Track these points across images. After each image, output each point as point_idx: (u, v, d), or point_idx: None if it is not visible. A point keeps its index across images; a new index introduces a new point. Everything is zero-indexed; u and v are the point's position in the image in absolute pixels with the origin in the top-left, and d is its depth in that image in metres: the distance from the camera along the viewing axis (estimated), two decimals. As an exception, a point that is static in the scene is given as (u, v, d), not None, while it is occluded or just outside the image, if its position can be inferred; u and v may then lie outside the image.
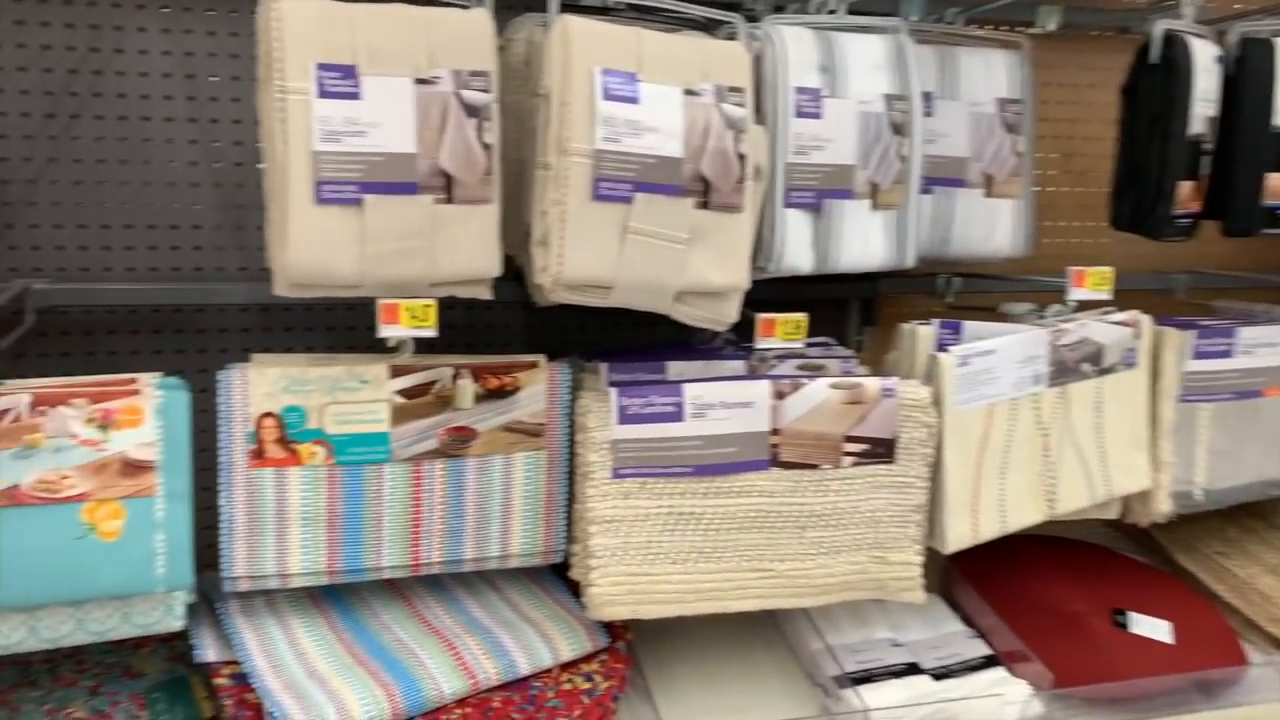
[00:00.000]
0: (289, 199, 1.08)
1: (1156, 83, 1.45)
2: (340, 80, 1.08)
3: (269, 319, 1.50)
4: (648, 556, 1.24)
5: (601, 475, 1.21)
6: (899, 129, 1.35)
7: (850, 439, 1.28)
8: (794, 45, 1.30)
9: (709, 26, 1.33)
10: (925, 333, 1.37)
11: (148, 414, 1.13)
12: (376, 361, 1.23)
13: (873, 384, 1.28)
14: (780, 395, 1.25)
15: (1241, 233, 1.52)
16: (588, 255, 1.14)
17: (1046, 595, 1.49)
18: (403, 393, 1.24)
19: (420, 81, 1.11)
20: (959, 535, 1.34)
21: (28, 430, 1.08)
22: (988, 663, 1.39)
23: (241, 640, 1.24)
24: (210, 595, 1.30)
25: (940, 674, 1.36)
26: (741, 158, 1.19)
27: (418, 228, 1.12)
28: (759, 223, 1.29)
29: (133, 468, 1.12)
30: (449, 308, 1.19)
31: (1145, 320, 1.45)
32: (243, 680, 1.20)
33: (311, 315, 1.51)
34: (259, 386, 1.19)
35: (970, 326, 1.39)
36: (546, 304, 1.21)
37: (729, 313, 1.25)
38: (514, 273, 1.28)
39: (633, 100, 1.13)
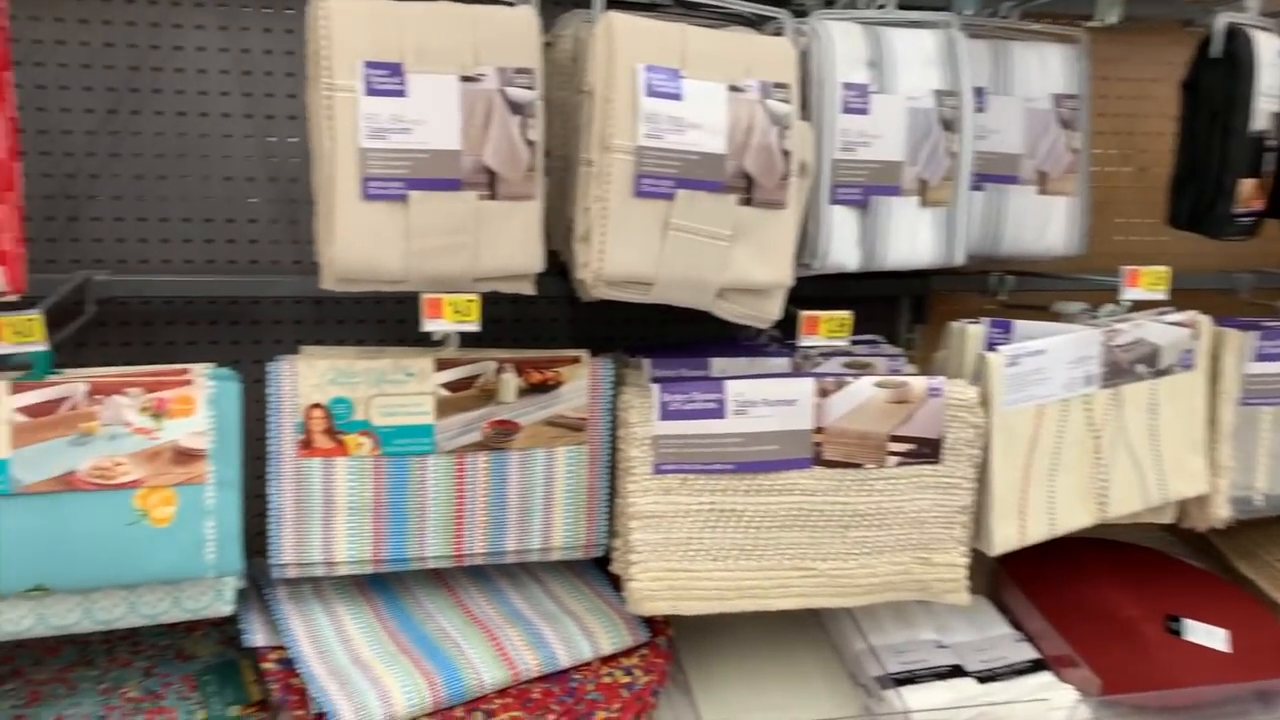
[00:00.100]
0: (336, 195, 1.10)
1: (1218, 77, 1.42)
2: (387, 78, 1.10)
3: (321, 312, 1.53)
4: (688, 552, 1.24)
5: (643, 470, 1.22)
6: (949, 125, 1.33)
7: (895, 438, 1.27)
8: (841, 40, 1.28)
9: (755, 22, 1.33)
10: (974, 331, 1.35)
11: (200, 404, 1.16)
12: (422, 355, 1.25)
13: (919, 383, 1.27)
14: (824, 393, 1.24)
15: (1308, 231, 1.48)
16: (629, 251, 1.14)
17: (1097, 599, 1.46)
18: (447, 386, 1.25)
19: (466, 79, 1.12)
20: (1005, 537, 1.32)
21: (84, 418, 1.12)
22: (1034, 667, 1.37)
23: (288, 626, 1.27)
24: (260, 581, 1.33)
25: (985, 677, 1.34)
26: (786, 154, 1.18)
27: (461, 224, 1.13)
28: (804, 219, 1.28)
29: (184, 456, 1.15)
30: (494, 302, 1.20)
31: (1204, 321, 1.42)
32: (289, 665, 1.23)
33: (361, 308, 1.54)
34: (307, 378, 1.22)
35: (1021, 326, 1.37)
36: (591, 299, 1.22)
37: (772, 310, 1.24)
38: (560, 268, 1.28)
39: (676, 96, 1.13)
